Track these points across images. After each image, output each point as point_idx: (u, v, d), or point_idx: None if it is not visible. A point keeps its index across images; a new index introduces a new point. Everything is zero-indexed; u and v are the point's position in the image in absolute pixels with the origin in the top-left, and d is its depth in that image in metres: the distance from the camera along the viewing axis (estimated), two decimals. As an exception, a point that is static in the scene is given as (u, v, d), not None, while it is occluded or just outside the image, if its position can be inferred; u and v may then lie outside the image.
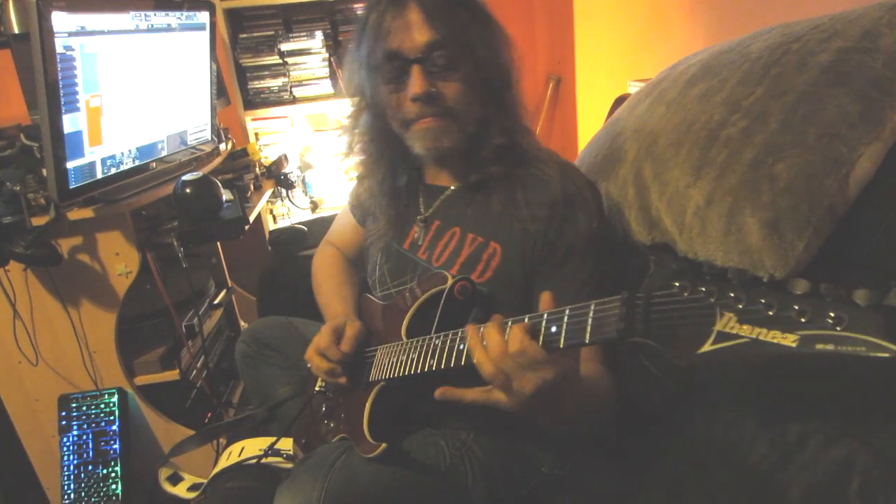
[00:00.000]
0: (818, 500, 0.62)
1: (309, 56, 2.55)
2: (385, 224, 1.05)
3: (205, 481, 1.22)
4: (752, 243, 0.77)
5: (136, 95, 1.45)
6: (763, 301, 0.45)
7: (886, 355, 0.39)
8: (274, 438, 1.15)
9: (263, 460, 1.13)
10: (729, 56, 0.98)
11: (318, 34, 2.52)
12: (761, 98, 0.85)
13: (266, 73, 2.55)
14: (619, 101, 1.69)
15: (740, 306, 0.46)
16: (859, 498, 0.59)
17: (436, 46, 0.85)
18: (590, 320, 0.60)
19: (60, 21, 1.12)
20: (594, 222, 0.91)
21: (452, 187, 1.01)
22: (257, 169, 2.22)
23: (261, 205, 2.10)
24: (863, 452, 0.60)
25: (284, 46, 2.51)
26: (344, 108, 2.66)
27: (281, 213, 2.73)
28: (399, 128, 0.93)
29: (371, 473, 0.87)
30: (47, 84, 1.12)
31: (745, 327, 0.45)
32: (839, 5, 0.92)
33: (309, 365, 1.00)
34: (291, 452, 1.12)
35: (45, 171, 1.23)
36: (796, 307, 0.43)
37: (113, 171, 1.37)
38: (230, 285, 2.24)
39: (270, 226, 2.68)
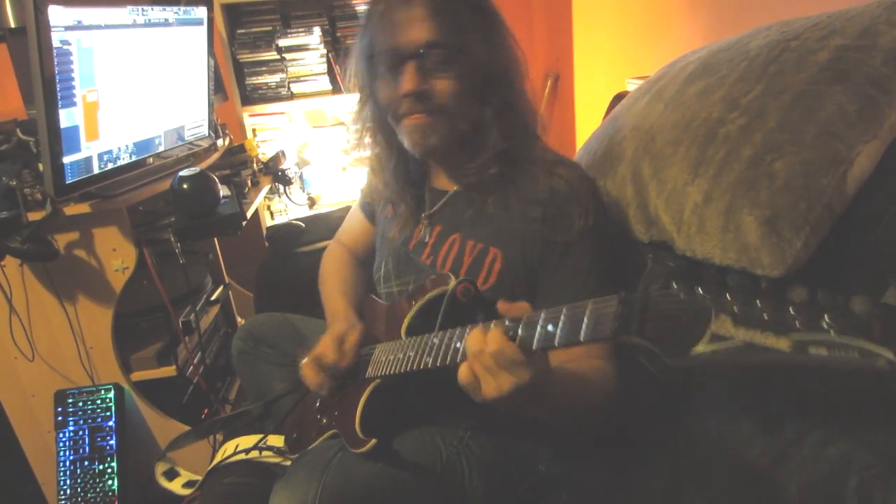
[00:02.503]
0: (816, 498, 0.62)
1: (307, 52, 2.54)
2: (406, 212, 1.04)
3: (200, 478, 1.22)
4: (749, 241, 0.77)
5: (133, 90, 1.44)
6: (759, 304, 0.44)
7: (881, 364, 0.39)
8: (266, 435, 1.15)
9: (255, 456, 1.13)
10: (728, 54, 0.98)
11: (317, 30, 2.51)
12: (760, 96, 0.85)
13: (264, 68, 2.54)
14: (618, 98, 1.69)
15: (736, 309, 0.46)
16: (857, 495, 0.59)
17: (433, 45, 0.85)
18: (585, 319, 0.60)
19: (57, 15, 1.12)
20: (589, 217, 0.90)
21: (453, 190, 1.01)
22: (255, 165, 2.22)
23: (258, 201, 2.09)
24: (861, 450, 0.60)
25: (282, 42, 2.50)
26: (342, 104, 2.69)
27: (278, 209, 2.73)
28: (391, 120, 0.94)
29: (367, 471, 0.87)
30: (44, 79, 1.11)
31: (739, 330, 0.45)
32: (838, 3, 0.92)
33: (301, 373, 1.01)
34: (282, 447, 1.12)
35: (41, 166, 1.22)
36: (792, 311, 0.43)
37: (110, 166, 1.37)
38: (227, 281, 2.24)
39: (268, 222, 2.67)
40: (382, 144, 1.02)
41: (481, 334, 0.68)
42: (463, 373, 0.68)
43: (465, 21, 0.87)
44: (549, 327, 0.64)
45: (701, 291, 0.48)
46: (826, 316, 0.41)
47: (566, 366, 0.81)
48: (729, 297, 0.46)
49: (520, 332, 0.65)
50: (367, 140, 1.04)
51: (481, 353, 0.66)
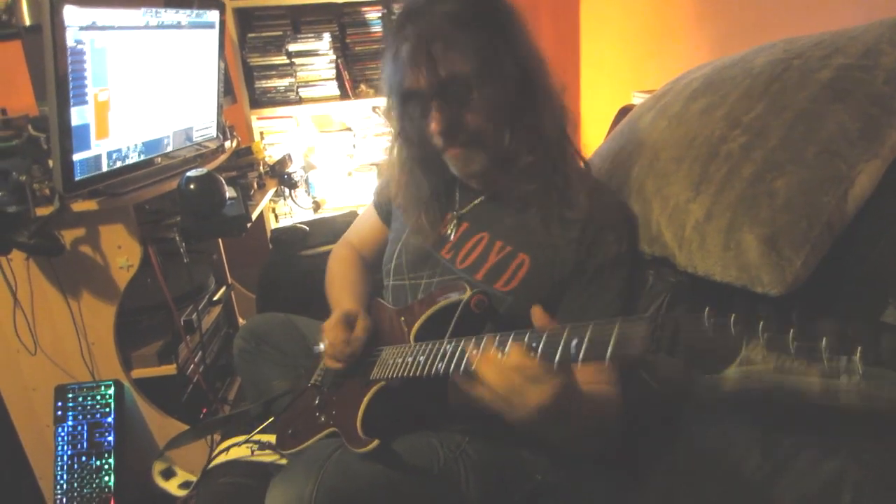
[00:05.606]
0: (808, 513, 0.63)
1: (316, 57, 2.56)
2: (432, 210, 1.03)
3: (196, 479, 1.22)
4: (750, 259, 0.77)
5: (144, 91, 1.46)
6: (791, 333, 0.46)
7: None
8: (260, 433, 1.15)
9: (248, 454, 1.13)
10: (731, 71, 0.99)
11: (326, 36, 2.53)
12: (762, 114, 0.86)
13: (273, 72, 2.56)
14: (623, 111, 1.70)
15: (767, 337, 0.47)
16: (849, 512, 0.59)
17: (448, 82, 0.84)
18: (614, 337, 0.60)
19: (72, 15, 1.13)
20: (624, 244, 0.93)
21: (489, 192, 1.01)
22: (261, 167, 2.23)
23: (263, 203, 2.11)
24: (855, 467, 0.61)
25: (292, 47, 2.52)
26: (349, 109, 2.70)
27: (283, 212, 2.74)
28: (433, 151, 0.94)
29: (365, 470, 0.87)
30: (57, 76, 1.12)
31: (771, 356, 0.47)
32: (843, 21, 0.93)
33: (324, 331, 1.00)
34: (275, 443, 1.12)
35: (51, 163, 1.23)
36: (823, 342, 0.44)
37: (118, 164, 1.38)
38: (230, 282, 2.25)
39: (272, 224, 2.68)
40: (417, 176, 1.01)
41: (497, 354, 0.68)
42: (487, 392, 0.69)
43: (475, 48, 0.84)
44: (574, 342, 0.64)
45: (733, 317, 0.49)
46: (857, 348, 0.42)
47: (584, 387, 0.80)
48: (761, 326, 0.47)
49: (541, 346, 0.66)
50: (398, 172, 1.03)
51: (501, 371, 0.67)
